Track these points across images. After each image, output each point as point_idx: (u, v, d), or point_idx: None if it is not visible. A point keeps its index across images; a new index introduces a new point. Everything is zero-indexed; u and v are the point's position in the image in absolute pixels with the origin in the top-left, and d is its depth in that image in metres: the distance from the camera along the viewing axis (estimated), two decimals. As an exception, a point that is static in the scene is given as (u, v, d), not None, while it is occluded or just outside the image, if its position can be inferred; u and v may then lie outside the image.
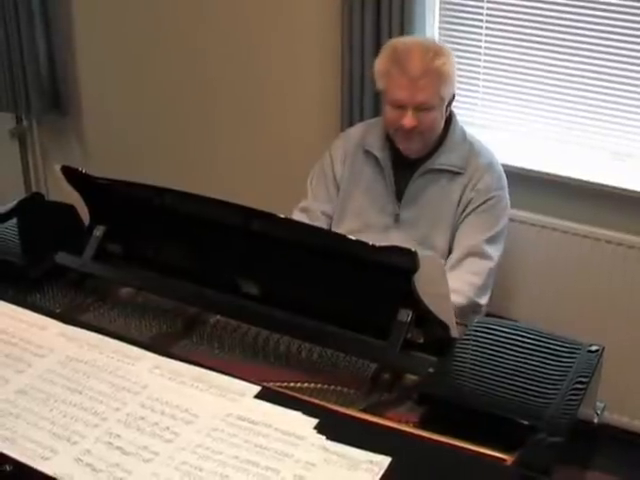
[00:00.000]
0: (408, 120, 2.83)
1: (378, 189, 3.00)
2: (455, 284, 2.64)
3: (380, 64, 2.93)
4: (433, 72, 2.82)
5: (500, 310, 3.07)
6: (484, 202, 2.92)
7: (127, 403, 1.74)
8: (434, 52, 2.86)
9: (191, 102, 4.11)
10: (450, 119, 2.98)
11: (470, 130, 3.09)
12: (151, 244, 2.33)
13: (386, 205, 2.99)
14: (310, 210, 3.07)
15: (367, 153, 3.03)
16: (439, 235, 2.94)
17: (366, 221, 3.00)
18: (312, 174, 3.15)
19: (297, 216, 3.03)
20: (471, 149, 2.98)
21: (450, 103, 2.94)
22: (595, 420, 2.02)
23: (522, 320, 3.18)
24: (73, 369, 1.84)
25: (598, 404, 2.03)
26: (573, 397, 1.76)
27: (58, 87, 4.31)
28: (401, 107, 2.84)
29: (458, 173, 2.94)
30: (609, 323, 3.34)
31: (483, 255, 2.89)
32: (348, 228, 2.98)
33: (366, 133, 3.08)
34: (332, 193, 3.08)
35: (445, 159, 2.94)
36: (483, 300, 2.87)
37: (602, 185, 3.24)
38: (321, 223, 3.02)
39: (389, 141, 2.99)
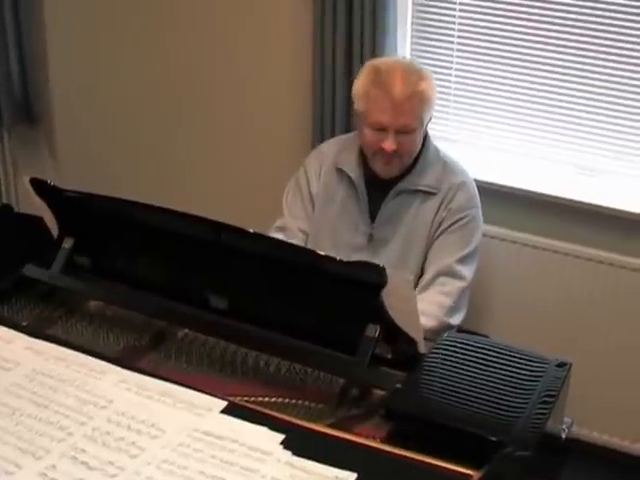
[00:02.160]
0: (389, 144, 2.79)
1: (352, 208, 2.97)
2: (424, 306, 2.63)
3: (360, 85, 2.87)
4: (417, 96, 2.79)
5: (471, 325, 3.06)
6: (456, 222, 2.90)
7: (93, 418, 1.73)
8: (418, 75, 2.82)
9: (164, 114, 4.10)
10: (425, 138, 2.94)
11: (441, 145, 3.09)
12: (120, 257, 2.33)
13: (359, 224, 2.96)
14: (287, 228, 3.02)
15: (341, 172, 2.99)
16: (413, 255, 2.92)
17: (339, 240, 2.97)
18: (287, 191, 3.10)
19: (274, 235, 2.97)
20: (445, 168, 2.96)
21: (427, 124, 2.92)
22: (563, 435, 2.03)
23: (493, 334, 3.18)
24: (39, 383, 1.83)
25: (566, 419, 2.04)
26: (540, 412, 1.78)
27: (29, 97, 4.28)
28: (382, 130, 2.80)
29: (432, 193, 2.92)
30: (579, 337, 3.35)
31: (455, 275, 2.87)
32: (323, 246, 2.93)
33: (340, 151, 3.03)
34: (309, 210, 3.04)
35: (419, 179, 2.92)
36: (455, 320, 2.84)
37: (571, 200, 3.25)
38: (298, 240, 2.97)
39: (362, 161, 2.96)
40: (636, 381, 3.35)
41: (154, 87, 4.07)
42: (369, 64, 2.94)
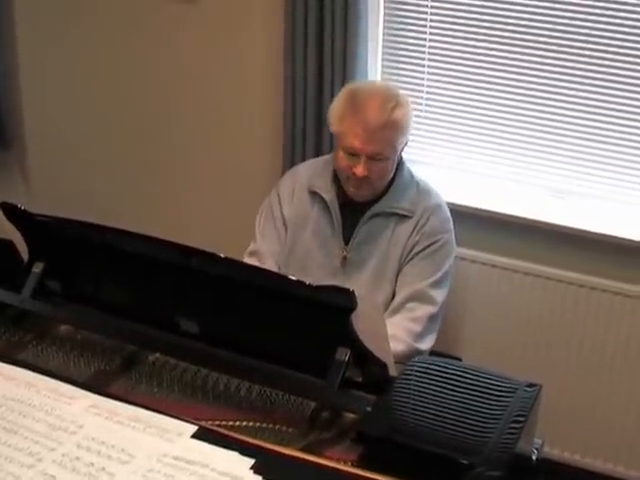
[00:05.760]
0: (360, 170, 2.79)
1: (325, 231, 2.97)
2: (393, 331, 2.62)
3: (336, 108, 2.88)
4: (391, 125, 2.79)
5: (443, 347, 3.07)
6: (429, 245, 2.91)
7: (63, 443, 1.71)
8: (394, 102, 2.82)
9: (136, 138, 4.09)
10: (399, 162, 2.96)
11: (411, 167, 3.10)
12: (91, 281, 2.31)
13: (333, 247, 2.96)
14: (260, 252, 3.01)
15: (314, 194, 2.99)
16: (387, 278, 2.91)
17: (313, 263, 2.97)
18: (259, 215, 3.09)
19: (247, 260, 2.97)
20: (419, 191, 2.97)
21: (402, 150, 2.93)
22: (534, 457, 2.03)
23: (465, 356, 3.20)
24: (9, 408, 1.81)
25: (537, 440, 2.04)
26: (511, 433, 1.77)
27: (2, 121, 4.26)
28: (354, 155, 2.81)
29: (407, 216, 2.92)
30: (550, 358, 3.37)
31: (426, 299, 2.87)
32: (296, 269, 2.94)
33: (313, 174, 3.03)
34: (281, 233, 3.02)
35: (394, 202, 2.92)
36: (424, 345, 2.84)
37: (541, 222, 3.28)
38: (271, 264, 2.97)
39: (336, 183, 2.96)
40: (607, 401, 3.37)
41: (126, 112, 4.07)
42: (347, 88, 2.95)
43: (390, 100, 2.83)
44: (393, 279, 2.92)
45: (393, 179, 2.94)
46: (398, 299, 2.88)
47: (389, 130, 2.80)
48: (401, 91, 3.02)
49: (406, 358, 2.56)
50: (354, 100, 2.84)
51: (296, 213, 3.02)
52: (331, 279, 2.88)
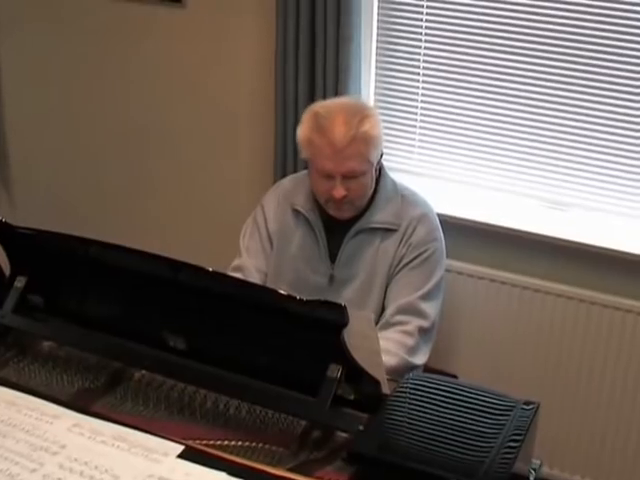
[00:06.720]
0: (338, 191, 2.75)
1: (311, 249, 2.93)
2: (385, 344, 2.58)
3: (303, 133, 2.82)
4: (360, 138, 2.73)
5: (440, 364, 3.04)
6: (416, 257, 2.86)
7: (44, 464, 1.67)
8: (360, 116, 2.76)
9: (121, 150, 4.08)
10: (379, 174, 2.91)
11: (406, 178, 3.08)
12: (75, 296, 2.28)
13: (320, 266, 2.92)
14: (244, 268, 2.96)
15: (297, 213, 2.96)
16: (374, 294, 2.87)
17: (300, 280, 2.92)
18: (244, 231, 3.05)
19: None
20: (403, 201, 2.92)
21: (379, 162, 2.87)
22: (532, 477, 2.00)
23: (463, 374, 3.16)
24: (-12, 428, 1.78)
25: (535, 461, 2.01)
26: (508, 453, 1.74)
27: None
28: (329, 177, 2.76)
29: (392, 230, 2.88)
30: (549, 375, 3.34)
31: (417, 313, 2.82)
32: (283, 286, 2.89)
33: (295, 192, 2.99)
34: (267, 249, 2.99)
35: (377, 217, 2.88)
36: (418, 360, 2.78)
37: (538, 235, 3.26)
38: (255, 280, 2.92)
39: (317, 202, 2.92)
40: (607, 420, 3.33)
41: (110, 122, 4.06)
42: (310, 109, 2.89)
43: (355, 114, 2.77)
44: (381, 294, 2.88)
45: (375, 192, 2.90)
46: (388, 312, 2.83)
47: (359, 144, 2.74)
48: (366, 102, 3.00)
49: (399, 372, 2.52)
50: (318, 121, 2.78)
51: (281, 229, 2.99)
52: (319, 296, 2.83)
